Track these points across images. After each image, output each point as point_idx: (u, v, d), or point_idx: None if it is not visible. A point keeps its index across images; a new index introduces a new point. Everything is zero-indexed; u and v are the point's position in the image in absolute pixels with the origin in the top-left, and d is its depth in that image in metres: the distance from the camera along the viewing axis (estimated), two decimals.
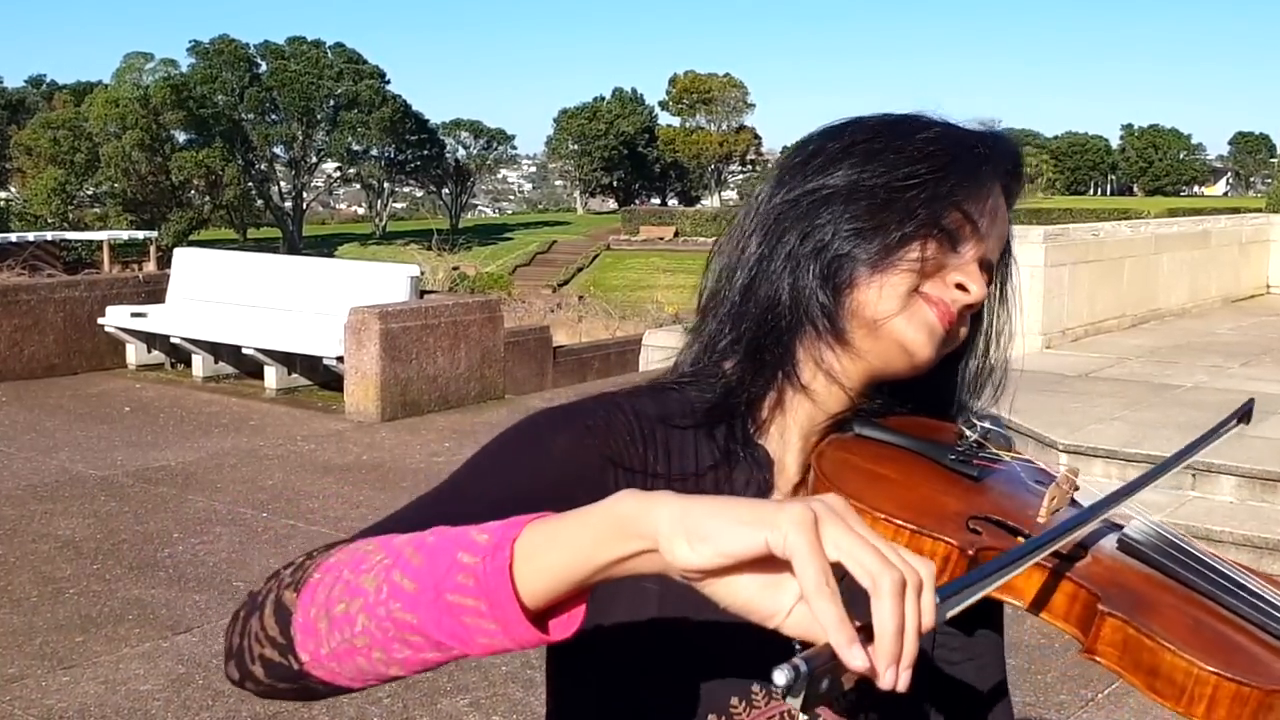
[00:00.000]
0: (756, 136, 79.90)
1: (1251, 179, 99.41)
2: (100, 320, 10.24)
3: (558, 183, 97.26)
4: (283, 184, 63.49)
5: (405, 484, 6.80)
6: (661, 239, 53.76)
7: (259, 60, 61.14)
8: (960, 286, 0.99)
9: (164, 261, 16.54)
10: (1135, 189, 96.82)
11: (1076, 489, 0.99)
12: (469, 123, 74.17)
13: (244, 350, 9.64)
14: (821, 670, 0.66)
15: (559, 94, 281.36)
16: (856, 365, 1.00)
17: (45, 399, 9.19)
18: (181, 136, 53.58)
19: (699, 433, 1.01)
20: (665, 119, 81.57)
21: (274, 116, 61.11)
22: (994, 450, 1.03)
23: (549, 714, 1.08)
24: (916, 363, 0.99)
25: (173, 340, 10.15)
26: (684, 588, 0.74)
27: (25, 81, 69.47)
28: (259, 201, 59.04)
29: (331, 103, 62.24)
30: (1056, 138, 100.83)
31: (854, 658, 0.67)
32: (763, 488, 1.02)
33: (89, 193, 50.39)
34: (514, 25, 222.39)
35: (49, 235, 23.67)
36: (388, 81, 64.67)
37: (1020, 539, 0.92)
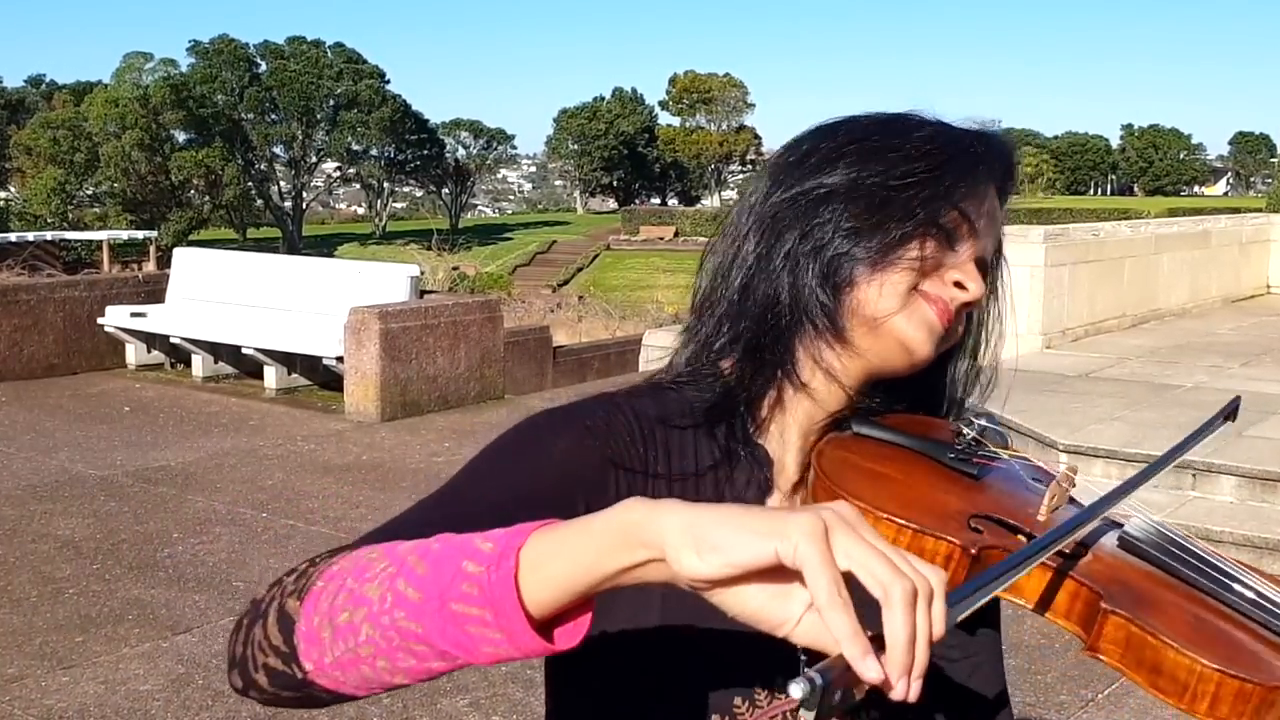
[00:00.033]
0: (756, 136, 79.88)
1: (1252, 179, 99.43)
2: (100, 320, 10.24)
3: (558, 183, 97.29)
4: (282, 184, 63.49)
5: (405, 484, 6.80)
6: (661, 239, 53.76)
7: (259, 60, 61.13)
8: (959, 285, 0.99)
9: (163, 261, 16.55)
10: (1135, 189, 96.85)
11: (1073, 486, 0.99)
12: (469, 122, 74.18)
13: (244, 350, 9.64)
14: (837, 682, 0.66)
15: (559, 94, 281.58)
16: (855, 363, 1.00)
17: (45, 399, 9.18)
18: (181, 136, 53.57)
19: (698, 432, 1.01)
20: (665, 119, 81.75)
21: (274, 116, 61.10)
22: (992, 448, 1.03)
23: (548, 714, 1.08)
24: (915, 360, 1.00)
25: (172, 340, 10.15)
26: (687, 591, 0.74)
27: (25, 81, 69.63)
28: (259, 201, 59.04)
29: (331, 102, 62.24)
30: (1056, 138, 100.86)
31: (869, 670, 0.67)
32: (763, 487, 1.02)
33: (89, 192, 50.37)
34: (514, 25, 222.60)
35: (48, 235, 23.71)
36: (387, 81, 64.71)
37: (1021, 537, 0.92)
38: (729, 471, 1.00)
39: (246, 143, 58.38)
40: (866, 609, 0.68)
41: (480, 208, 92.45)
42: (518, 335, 9.98)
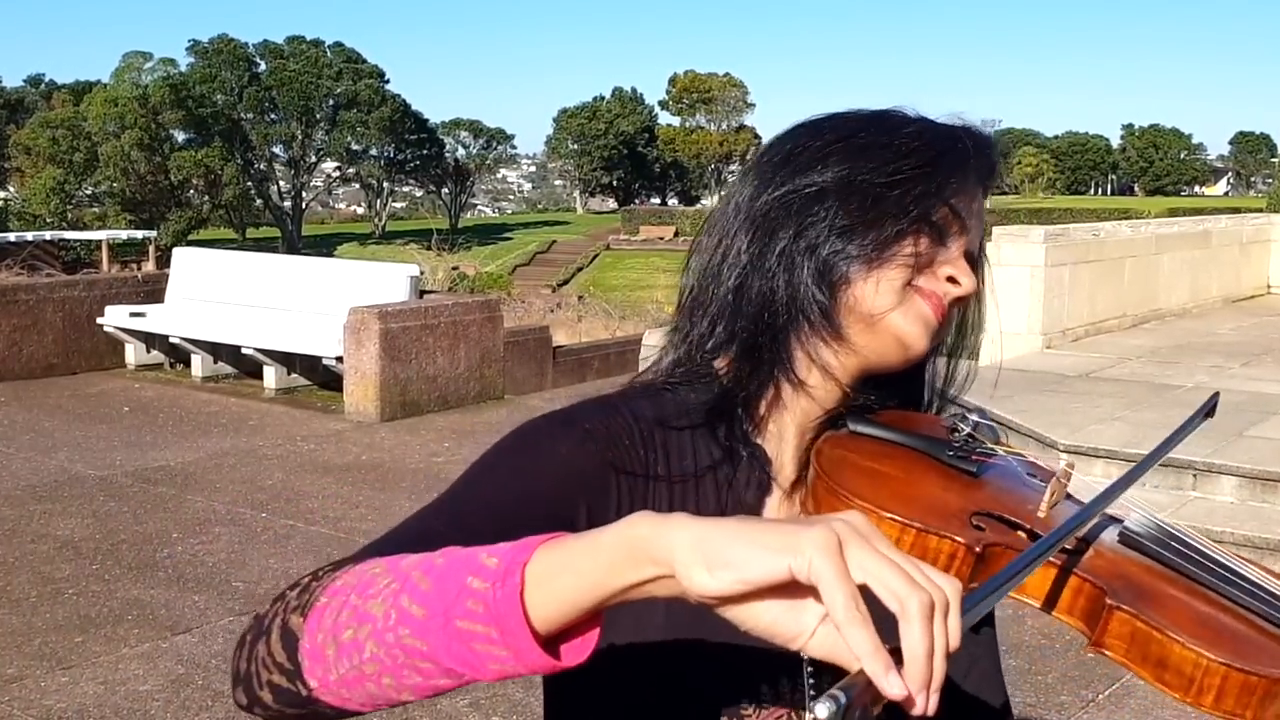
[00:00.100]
0: (756, 136, 79.79)
1: (1252, 179, 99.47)
2: (99, 320, 10.23)
3: (557, 182, 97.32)
4: (282, 184, 63.51)
5: (404, 484, 6.80)
6: (661, 239, 53.78)
7: (258, 60, 61.15)
8: (951, 279, 1.00)
9: (163, 261, 16.56)
10: (1136, 189, 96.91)
11: (1069, 482, 0.99)
12: (468, 122, 74.19)
13: (243, 350, 9.63)
14: (858, 699, 0.64)
15: (559, 94, 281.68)
16: (852, 360, 1.00)
17: (44, 399, 9.18)
18: (180, 136, 53.60)
19: (696, 433, 1.00)
20: (665, 119, 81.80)
21: (273, 116, 61.12)
22: (988, 444, 1.03)
23: (547, 715, 1.07)
24: (911, 355, 1.00)
25: (172, 340, 10.14)
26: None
27: (24, 81, 69.61)
28: (258, 201, 59.06)
29: (331, 102, 62.27)
30: (1057, 137, 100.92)
31: (892, 686, 0.65)
32: (763, 486, 1.01)
33: (88, 192, 50.40)
34: (514, 25, 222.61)
35: (48, 235, 23.74)
36: (387, 81, 64.72)
37: (1023, 534, 0.92)
38: (729, 472, 1.00)
39: (246, 142, 58.40)
40: (883, 624, 0.67)
41: (480, 208, 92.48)
42: (517, 335, 9.98)
